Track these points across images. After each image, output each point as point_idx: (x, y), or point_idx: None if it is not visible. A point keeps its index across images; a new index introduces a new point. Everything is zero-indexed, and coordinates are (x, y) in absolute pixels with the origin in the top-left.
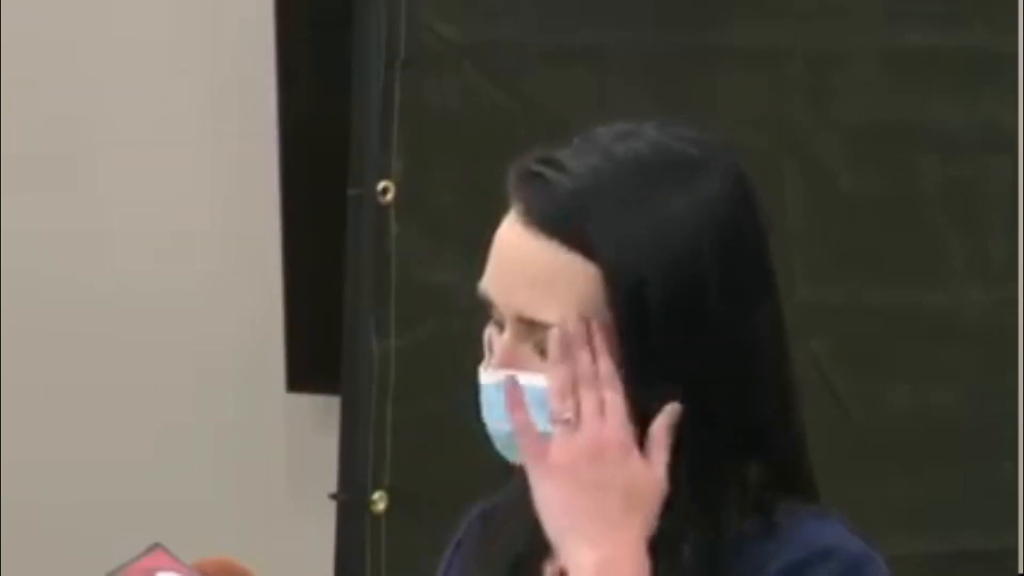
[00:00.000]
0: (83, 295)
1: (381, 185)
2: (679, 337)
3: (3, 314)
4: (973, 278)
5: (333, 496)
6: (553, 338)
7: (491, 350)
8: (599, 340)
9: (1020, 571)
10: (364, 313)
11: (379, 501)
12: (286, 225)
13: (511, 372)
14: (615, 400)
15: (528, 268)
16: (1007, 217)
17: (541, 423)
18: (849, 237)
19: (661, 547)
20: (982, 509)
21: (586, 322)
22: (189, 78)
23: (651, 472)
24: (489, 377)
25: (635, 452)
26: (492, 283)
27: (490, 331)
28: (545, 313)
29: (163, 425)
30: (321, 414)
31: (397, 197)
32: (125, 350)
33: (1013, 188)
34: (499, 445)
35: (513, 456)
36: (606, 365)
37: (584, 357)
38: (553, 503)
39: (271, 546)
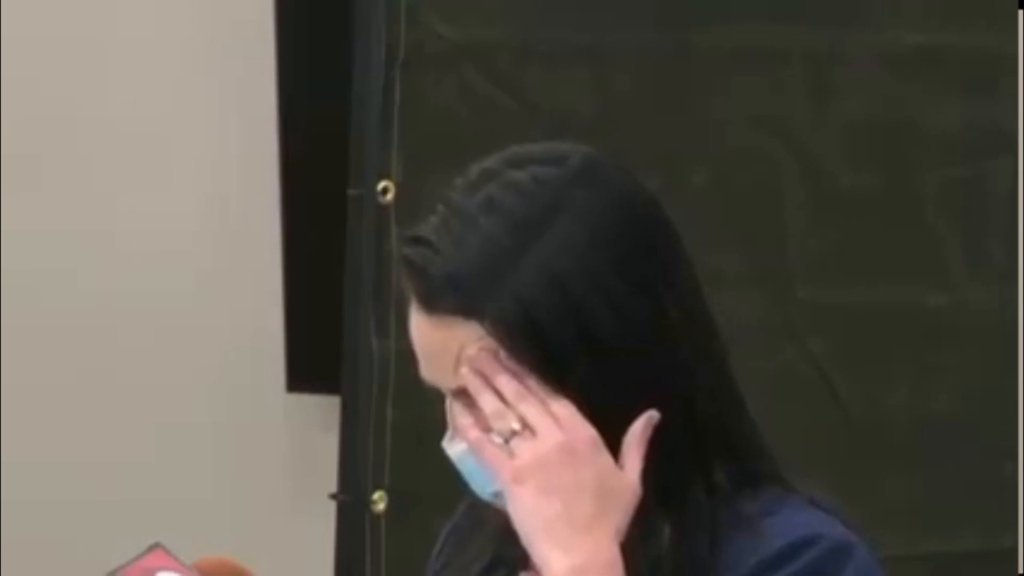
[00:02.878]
0: (83, 295)
1: (381, 185)
2: (588, 364)
3: (3, 314)
4: (973, 278)
5: (333, 496)
6: (467, 373)
7: (452, 422)
8: (512, 364)
9: (1020, 571)
10: (364, 313)
11: (379, 501)
12: (286, 225)
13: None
14: (564, 405)
15: (435, 347)
16: (1007, 217)
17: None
18: (849, 237)
19: (634, 551)
20: (982, 509)
21: (492, 351)
22: (189, 78)
23: (624, 475)
24: (452, 448)
25: (605, 452)
26: (422, 369)
27: (449, 403)
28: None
29: (163, 425)
30: (321, 414)
31: (397, 197)
32: (125, 350)
33: (1013, 188)
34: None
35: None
36: (533, 382)
37: (504, 378)
38: (524, 508)
39: (271, 546)
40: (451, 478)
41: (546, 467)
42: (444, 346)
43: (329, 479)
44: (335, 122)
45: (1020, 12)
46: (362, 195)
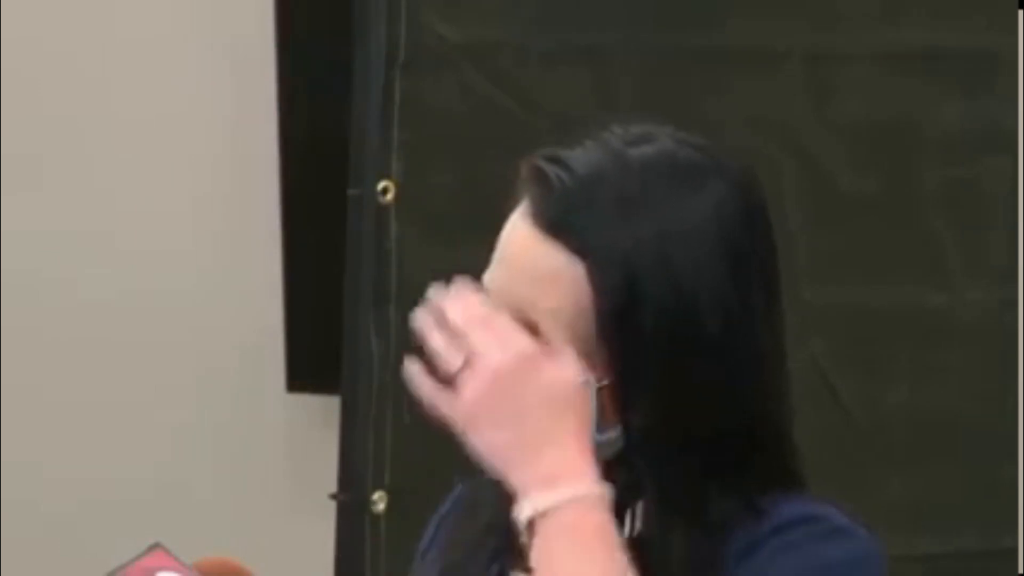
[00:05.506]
0: (83, 295)
1: (381, 185)
2: (666, 349)
3: (3, 314)
4: (973, 278)
5: (333, 496)
6: (421, 315)
7: None
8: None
9: (1020, 571)
10: (364, 313)
11: (379, 501)
12: (286, 225)
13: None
14: (502, 318)
15: (525, 265)
16: (1007, 217)
17: None
18: (849, 237)
19: (651, 542)
20: (982, 509)
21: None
22: (189, 78)
23: (566, 371)
24: None
25: (541, 359)
26: (494, 275)
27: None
28: (538, 310)
29: (163, 425)
30: (321, 414)
31: (397, 197)
32: (125, 350)
33: (1013, 188)
34: None
35: None
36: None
37: (457, 306)
38: (483, 449)
39: (271, 546)
40: (451, 477)
41: (487, 401)
42: (533, 262)
43: (329, 479)
44: (335, 122)
45: (1020, 12)
46: (362, 195)
